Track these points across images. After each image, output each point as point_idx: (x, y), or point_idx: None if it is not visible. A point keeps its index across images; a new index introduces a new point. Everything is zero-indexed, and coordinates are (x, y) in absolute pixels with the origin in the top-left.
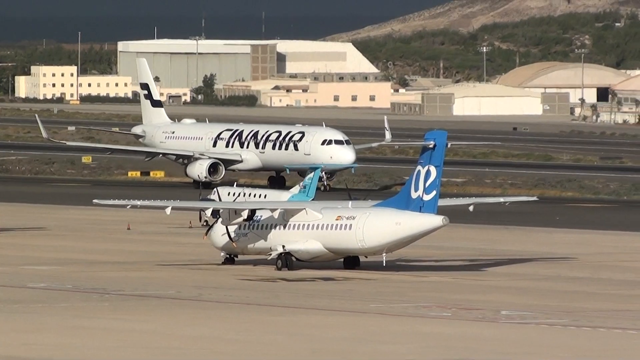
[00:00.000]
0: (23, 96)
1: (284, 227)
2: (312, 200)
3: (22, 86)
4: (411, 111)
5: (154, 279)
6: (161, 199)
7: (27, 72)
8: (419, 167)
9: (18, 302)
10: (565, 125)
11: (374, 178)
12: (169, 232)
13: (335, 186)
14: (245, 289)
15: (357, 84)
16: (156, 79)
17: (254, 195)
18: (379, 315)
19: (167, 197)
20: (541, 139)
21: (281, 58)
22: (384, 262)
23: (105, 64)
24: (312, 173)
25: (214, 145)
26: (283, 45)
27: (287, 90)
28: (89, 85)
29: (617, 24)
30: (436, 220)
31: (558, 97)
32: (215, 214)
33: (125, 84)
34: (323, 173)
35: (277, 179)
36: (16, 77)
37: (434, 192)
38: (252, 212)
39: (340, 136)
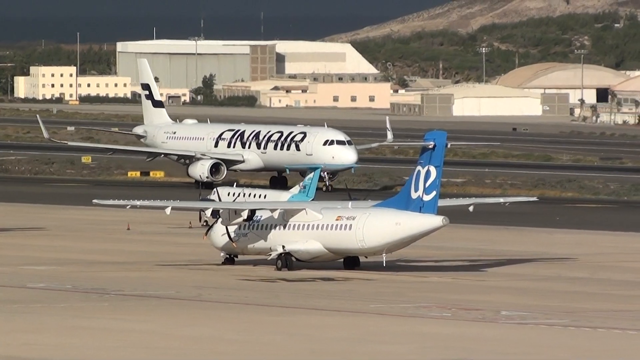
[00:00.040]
0: (22, 96)
1: (284, 228)
2: (312, 200)
3: (22, 86)
4: (411, 112)
5: (154, 279)
6: (161, 199)
7: (26, 73)
8: (419, 168)
9: (17, 302)
10: (565, 126)
11: (373, 178)
12: (169, 232)
13: (335, 186)
14: (245, 289)
15: (356, 84)
16: (155, 80)
17: (254, 196)
18: (378, 316)
19: (167, 197)
20: (541, 139)
21: (280, 58)
22: (384, 262)
23: (104, 64)
24: (312, 173)
25: (216, 145)
26: (282, 46)
27: (287, 91)
28: (88, 85)
29: (616, 25)
30: (436, 220)
31: (558, 98)
32: (215, 214)
33: (125, 85)
34: (325, 173)
35: (279, 179)
36: (15, 78)
37: (434, 193)
38: (252, 212)
39: (342, 136)
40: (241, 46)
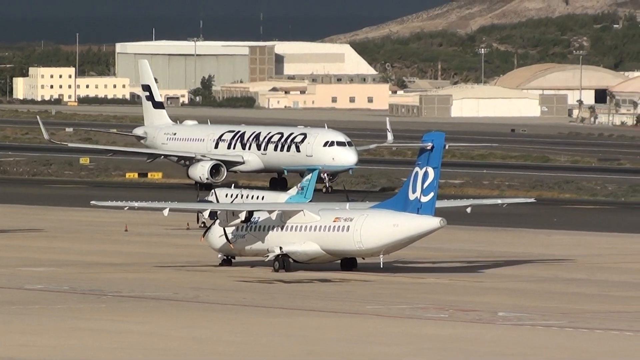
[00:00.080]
0: (21, 97)
1: (282, 229)
2: (310, 201)
3: (20, 87)
4: (409, 113)
5: (152, 280)
6: (159, 201)
7: (25, 74)
8: (417, 169)
9: (15, 304)
10: (563, 127)
11: (372, 179)
12: (167, 233)
13: (335, 188)
14: (243, 290)
15: (355, 85)
16: (154, 81)
17: (252, 197)
18: (376, 317)
19: (164, 198)
20: (539, 140)
21: (279, 59)
22: (382, 263)
23: (103, 65)
24: (310, 174)
25: (216, 146)
26: (281, 47)
27: (285, 92)
28: (87, 86)
29: (615, 26)
30: (434, 221)
31: (556, 99)
32: (213, 215)
33: (124, 86)
34: (325, 175)
35: (279, 180)
36: (14, 79)
37: (432, 194)
38: (250, 213)
39: (342, 138)
40: (240, 47)
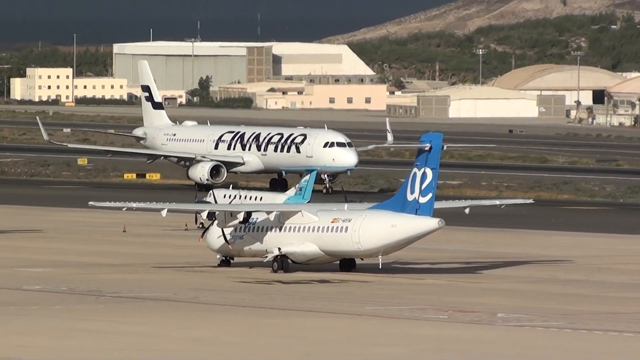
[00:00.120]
0: (18, 98)
1: (280, 230)
2: (308, 202)
3: (18, 88)
4: (407, 113)
5: (150, 281)
6: (157, 201)
7: (22, 74)
8: (415, 170)
9: (13, 304)
10: (561, 128)
11: (370, 180)
12: (165, 234)
13: (335, 189)
14: (241, 291)
15: (352, 86)
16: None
17: (250, 198)
18: (374, 318)
19: (163, 199)
20: (537, 141)
21: (277, 60)
22: (380, 264)
23: (100, 66)
24: (308, 175)
25: (216, 147)
26: (279, 48)
27: (283, 93)
28: (85, 87)
29: (613, 26)
30: (432, 222)
31: (554, 100)
32: (211, 216)
33: (121, 86)
34: (325, 176)
35: (279, 181)
36: (11, 79)
37: (430, 195)
38: (248, 214)
39: (342, 138)
40: (238, 48)
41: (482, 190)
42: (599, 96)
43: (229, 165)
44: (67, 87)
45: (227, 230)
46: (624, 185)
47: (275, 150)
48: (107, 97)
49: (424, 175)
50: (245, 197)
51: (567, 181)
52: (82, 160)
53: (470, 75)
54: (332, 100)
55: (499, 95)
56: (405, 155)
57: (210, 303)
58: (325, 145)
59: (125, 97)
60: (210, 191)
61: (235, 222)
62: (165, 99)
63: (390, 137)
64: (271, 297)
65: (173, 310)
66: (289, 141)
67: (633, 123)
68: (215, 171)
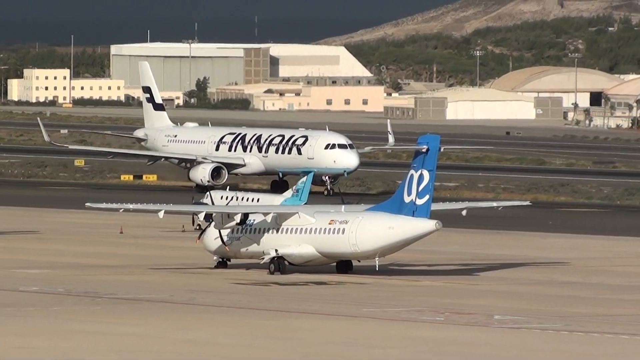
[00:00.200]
0: (16, 99)
1: (277, 231)
2: (305, 204)
3: (15, 89)
4: (404, 115)
5: (147, 282)
6: (154, 203)
7: (19, 75)
8: (412, 171)
9: (10, 306)
10: (558, 130)
11: (366, 182)
12: (162, 235)
13: (335, 190)
14: (238, 292)
15: (350, 87)
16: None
17: (247, 199)
18: (371, 320)
19: (160, 200)
20: (534, 143)
21: (274, 62)
22: (377, 266)
23: (98, 67)
24: (305, 177)
25: (217, 149)
26: (276, 49)
27: (280, 94)
28: (82, 88)
29: (610, 29)
30: (429, 224)
31: (551, 102)
32: (208, 217)
33: (118, 87)
34: (327, 177)
35: (280, 183)
36: (9, 80)
37: (427, 197)
38: (245, 216)
39: (343, 140)
40: (235, 49)
41: (479, 192)
42: (596, 98)
43: (230, 167)
44: (65, 88)
45: (224, 232)
46: (621, 187)
47: (277, 152)
48: (105, 98)
49: (421, 177)
50: (242, 199)
51: (564, 183)
52: (79, 162)
53: (467, 77)
54: (329, 102)
55: (496, 97)
56: (402, 157)
57: (207, 304)
58: (326, 147)
59: (122, 98)
60: (207, 192)
61: (233, 223)
62: (163, 100)
63: (391, 138)
64: (268, 298)
65: (169, 311)
66: (290, 143)
67: (630, 125)
68: (216, 173)
